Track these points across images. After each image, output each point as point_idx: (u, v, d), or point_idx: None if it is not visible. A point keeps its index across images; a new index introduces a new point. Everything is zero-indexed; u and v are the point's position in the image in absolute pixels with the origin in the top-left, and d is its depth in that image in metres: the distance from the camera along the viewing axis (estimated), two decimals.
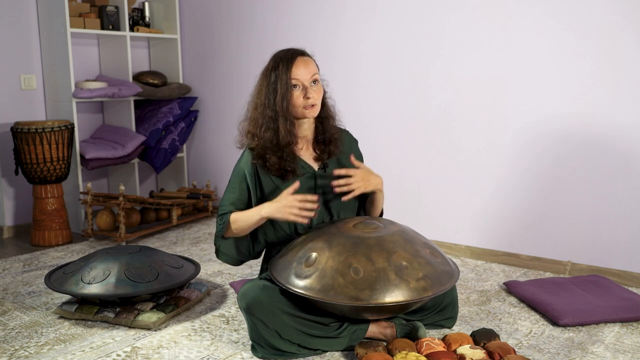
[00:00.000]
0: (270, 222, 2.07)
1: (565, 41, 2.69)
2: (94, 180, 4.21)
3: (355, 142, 2.22)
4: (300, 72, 1.96)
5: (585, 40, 2.63)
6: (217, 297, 2.54)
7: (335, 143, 2.10)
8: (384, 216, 2.28)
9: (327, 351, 1.95)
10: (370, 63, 3.38)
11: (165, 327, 2.21)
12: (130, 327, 2.21)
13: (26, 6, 3.77)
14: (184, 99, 4.32)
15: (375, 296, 1.76)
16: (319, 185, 2.07)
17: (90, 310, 2.28)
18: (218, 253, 2.13)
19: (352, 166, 2.05)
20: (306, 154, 2.10)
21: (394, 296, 1.77)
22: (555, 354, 1.94)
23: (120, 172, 4.21)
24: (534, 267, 2.87)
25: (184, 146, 4.43)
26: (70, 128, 3.53)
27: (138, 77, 4.21)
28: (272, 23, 3.82)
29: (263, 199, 2.05)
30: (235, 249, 2.11)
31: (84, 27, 3.81)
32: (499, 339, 1.98)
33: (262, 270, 2.19)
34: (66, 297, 2.52)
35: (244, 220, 1.99)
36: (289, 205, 1.91)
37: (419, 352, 1.84)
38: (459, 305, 2.33)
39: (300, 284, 1.84)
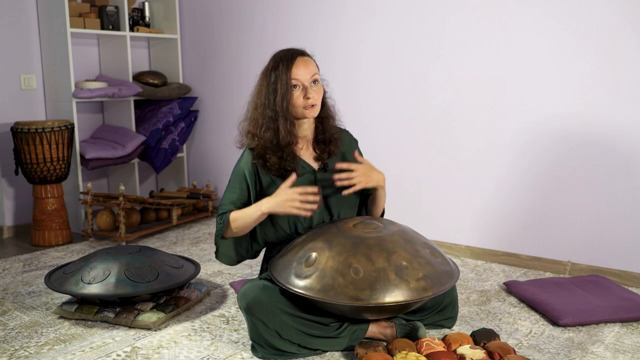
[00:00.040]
0: (271, 222, 2.07)
1: (565, 41, 2.69)
2: (94, 180, 4.21)
3: (356, 142, 2.23)
4: (300, 72, 1.96)
5: (585, 40, 2.64)
6: (217, 297, 2.54)
7: (335, 143, 2.10)
8: (384, 216, 2.28)
9: (327, 351, 1.95)
10: (370, 63, 3.38)
11: (165, 327, 2.21)
12: (130, 327, 2.21)
13: (26, 6, 3.77)
14: (184, 99, 4.32)
15: (375, 296, 1.76)
16: (319, 185, 2.07)
17: (90, 310, 2.28)
18: (217, 254, 2.13)
19: (355, 162, 2.05)
20: (306, 153, 2.10)
21: (394, 296, 1.77)
22: (555, 354, 1.94)
23: (120, 172, 4.21)
24: (534, 267, 2.87)
25: (184, 146, 4.43)
26: (70, 128, 3.53)
27: (138, 77, 4.21)
28: (272, 23, 3.82)
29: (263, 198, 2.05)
30: (234, 249, 2.11)
31: (84, 27, 3.81)
32: (499, 339, 1.98)
33: (262, 270, 2.19)
34: (66, 297, 2.52)
35: (244, 218, 1.98)
36: (289, 198, 1.90)
37: (419, 352, 1.84)
38: (459, 305, 2.33)
39: (300, 284, 1.84)
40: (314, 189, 1.93)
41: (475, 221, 3.07)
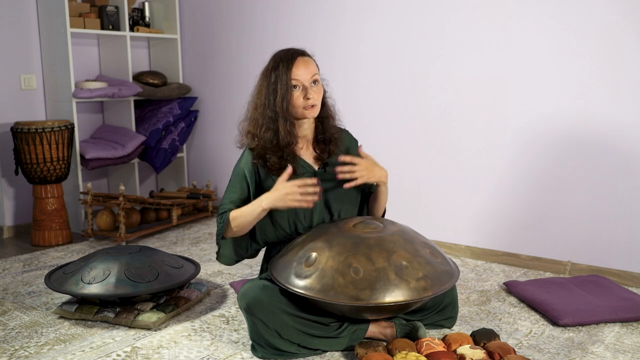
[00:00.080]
0: (271, 221, 2.07)
1: (565, 41, 2.69)
2: (94, 180, 4.21)
3: (356, 142, 2.22)
4: (301, 73, 1.95)
5: (585, 40, 2.64)
6: (217, 297, 2.54)
7: (335, 143, 2.10)
8: (385, 216, 2.28)
9: (327, 351, 1.95)
10: (370, 63, 3.38)
11: (165, 327, 2.21)
12: (130, 327, 2.21)
13: (26, 6, 3.77)
14: (184, 99, 4.32)
15: (375, 296, 1.76)
16: (320, 184, 2.06)
17: (90, 310, 2.28)
18: (218, 255, 2.13)
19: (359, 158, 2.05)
20: (306, 153, 2.10)
21: (394, 296, 1.77)
22: (555, 354, 1.94)
23: (120, 172, 4.21)
24: (534, 267, 2.87)
25: (184, 146, 4.43)
26: (70, 128, 3.53)
27: (138, 77, 4.21)
28: (272, 23, 3.82)
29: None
30: (233, 249, 2.11)
31: (84, 27, 3.81)
32: (499, 339, 1.98)
33: (262, 270, 2.19)
34: (66, 297, 2.52)
35: (244, 215, 1.97)
36: (289, 192, 1.89)
37: (419, 352, 1.84)
38: (459, 305, 2.33)
39: (300, 284, 1.84)
40: (313, 180, 1.92)
41: (475, 221, 3.07)
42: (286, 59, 1.96)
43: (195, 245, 3.43)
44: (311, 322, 1.91)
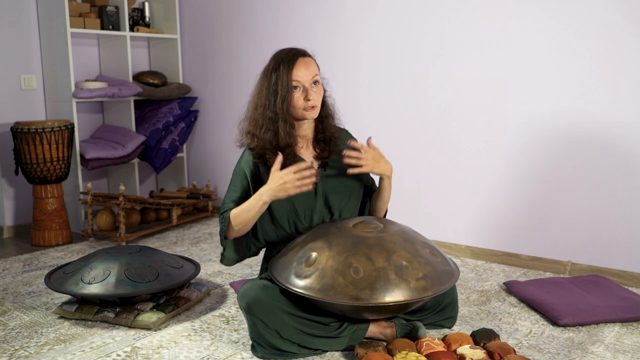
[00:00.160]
0: (271, 221, 2.07)
1: (565, 41, 2.69)
2: (94, 180, 4.21)
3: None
4: (301, 74, 1.95)
5: (585, 40, 2.64)
6: (217, 297, 2.54)
7: (335, 142, 2.10)
8: (386, 217, 2.28)
9: (327, 351, 1.95)
10: (370, 63, 3.38)
11: (165, 327, 2.21)
12: (130, 327, 2.21)
13: (26, 6, 3.77)
14: (184, 99, 4.32)
15: (375, 296, 1.76)
16: (320, 183, 2.07)
17: (90, 310, 2.28)
18: (222, 257, 2.13)
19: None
20: (306, 152, 2.10)
21: (394, 296, 1.77)
22: (555, 354, 1.93)
23: (120, 172, 4.21)
24: (534, 267, 2.87)
25: (184, 146, 4.43)
26: (70, 128, 3.53)
27: (138, 77, 4.21)
28: (272, 23, 3.82)
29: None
30: (234, 250, 2.11)
31: (84, 27, 3.81)
32: (499, 339, 1.98)
33: (262, 270, 2.19)
34: (66, 297, 2.52)
35: (245, 211, 1.95)
36: (287, 180, 1.88)
37: (419, 352, 1.84)
38: (459, 305, 2.33)
39: (300, 284, 1.84)
40: (306, 163, 1.92)
41: (475, 221, 3.07)
42: (287, 59, 1.96)
43: (195, 245, 3.43)
44: (311, 322, 1.91)
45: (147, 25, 4.29)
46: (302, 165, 1.90)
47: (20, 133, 3.40)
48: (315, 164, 2.10)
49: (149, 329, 2.19)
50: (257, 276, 2.21)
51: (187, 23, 4.36)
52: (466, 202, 3.09)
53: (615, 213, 2.64)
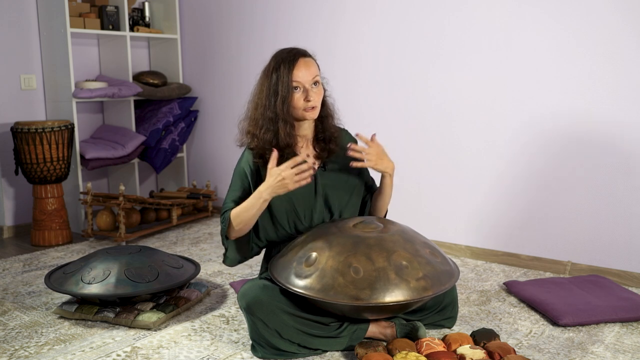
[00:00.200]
0: (271, 221, 2.07)
1: (565, 41, 2.69)
2: (94, 180, 4.21)
3: (355, 142, 2.22)
4: (302, 74, 1.95)
5: (585, 40, 2.64)
6: (217, 297, 2.54)
7: (335, 141, 2.11)
8: (386, 217, 2.28)
9: (327, 351, 1.95)
10: (370, 63, 3.38)
11: (165, 327, 2.21)
12: (130, 327, 2.21)
13: (26, 6, 3.77)
14: (184, 99, 4.32)
15: (375, 296, 1.76)
16: (320, 183, 2.07)
17: (90, 310, 2.28)
18: (225, 257, 2.13)
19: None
20: (306, 152, 2.10)
21: (394, 296, 1.77)
22: (555, 354, 1.93)
23: (120, 172, 4.21)
24: (534, 267, 2.87)
25: (184, 146, 4.43)
26: (70, 128, 3.53)
27: (138, 77, 4.22)
28: (272, 23, 3.82)
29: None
30: (236, 249, 2.11)
31: (84, 27, 3.81)
32: (499, 339, 1.98)
33: (262, 270, 2.19)
34: (66, 297, 2.52)
35: (246, 209, 1.95)
36: (285, 176, 1.87)
37: (419, 352, 1.84)
38: (459, 305, 2.33)
39: (300, 284, 1.84)
40: (301, 156, 1.92)
41: (475, 221, 3.07)
42: (288, 59, 1.96)
43: (195, 245, 3.43)
44: (311, 321, 1.91)
45: (147, 25, 4.29)
46: (297, 159, 1.90)
47: (20, 133, 3.40)
48: (316, 164, 2.10)
49: (149, 329, 2.19)
50: (257, 276, 2.21)
51: (187, 23, 4.36)
52: (466, 202, 3.09)
53: (615, 213, 2.64)
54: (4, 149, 3.69)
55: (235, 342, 2.06)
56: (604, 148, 2.64)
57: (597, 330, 2.12)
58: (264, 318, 1.87)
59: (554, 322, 2.19)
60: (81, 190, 3.74)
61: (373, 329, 2.00)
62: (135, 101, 4.30)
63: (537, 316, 2.27)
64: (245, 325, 2.18)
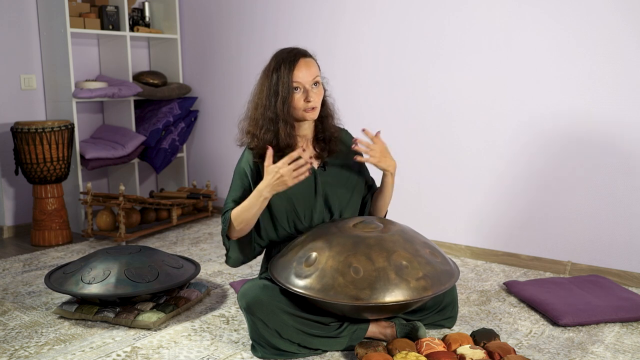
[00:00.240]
0: (271, 221, 2.07)
1: (565, 41, 2.69)
2: (94, 180, 4.21)
3: (355, 142, 2.22)
4: (302, 75, 1.95)
5: (585, 40, 2.64)
6: (217, 297, 2.54)
7: (335, 141, 2.11)
8: (386, 217, 2.28)
9: (327, 351, 1.95)
10: (370, 63, 3.38)
11: (165, 327, 2.21)
12: (130, 327, 2.21)
13: (26, 6, 3.77)
14: (184, 99, 4.32)
15: (375, 296, 1.76)
16: (320, 183, 2.07)
17: (90, 310, 2.28)
18: (227, 258, 2.12)
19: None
20: (306, 152, 2.10)
21: (394, 296, 1.77)
22: (555, 354, 1.93)
23: (120, 172, 4.21)
24: (534, 267, 2.87)
25: (184, 146, 4.43)
26: (70, 128, 3.53)
27: (138, 77, 4.22)
28: (272, 23, 3.82)
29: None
30: (239, 250, 2.11)
31: (84, 27, 3.81)
32: (499, 339, 1.98)
33: (262, 270, 2.19)
34: (66, 297, 2.52)
35: (246, 210, 1.94)
36: (283, 173, 1.87)
37: (419, 352, 1.84)
38: (459, 305, 2.34)
39: (300, 284, 1.84)
40: (298, 151, 1.91)
41: (475, 221, 3.07)
42: (288, 59, 1.96)
43: (195, 245, 3.43)
44: (311, 321, 1.91)
45: (147, 25, 4.29)
46: (293, 155, 1.89)
47: (20, 133, 3.40)
48: (314, 162, 2.10)
49: (149, 329, 2.19)
50: (257, 276, 2.21)
51: (187, 23, 4.36)
52: (466, 202, 3.09)
53: (615, 213, 2.64)
54: (4, 149, 3.69)
55: (235, 342, 2.06)
56: (604, 148, 2.64)
57: (597, 330, 2.12)
58: (264, 318, 1.87)
59: (554, 322, 2.19)
60: (81, 190, 3.74)
61: (373, 329, 2.00)
62: (135, 101, 4.30)
63: (537, 316, 2.27)
64: (245, 325, 2.18)
